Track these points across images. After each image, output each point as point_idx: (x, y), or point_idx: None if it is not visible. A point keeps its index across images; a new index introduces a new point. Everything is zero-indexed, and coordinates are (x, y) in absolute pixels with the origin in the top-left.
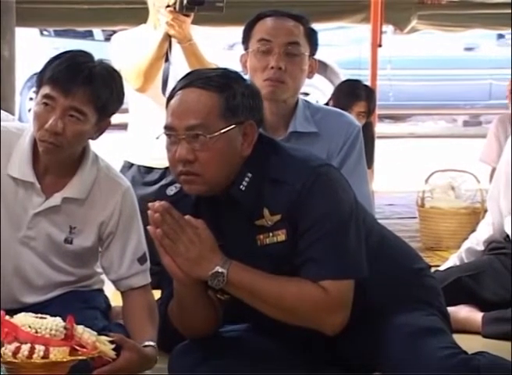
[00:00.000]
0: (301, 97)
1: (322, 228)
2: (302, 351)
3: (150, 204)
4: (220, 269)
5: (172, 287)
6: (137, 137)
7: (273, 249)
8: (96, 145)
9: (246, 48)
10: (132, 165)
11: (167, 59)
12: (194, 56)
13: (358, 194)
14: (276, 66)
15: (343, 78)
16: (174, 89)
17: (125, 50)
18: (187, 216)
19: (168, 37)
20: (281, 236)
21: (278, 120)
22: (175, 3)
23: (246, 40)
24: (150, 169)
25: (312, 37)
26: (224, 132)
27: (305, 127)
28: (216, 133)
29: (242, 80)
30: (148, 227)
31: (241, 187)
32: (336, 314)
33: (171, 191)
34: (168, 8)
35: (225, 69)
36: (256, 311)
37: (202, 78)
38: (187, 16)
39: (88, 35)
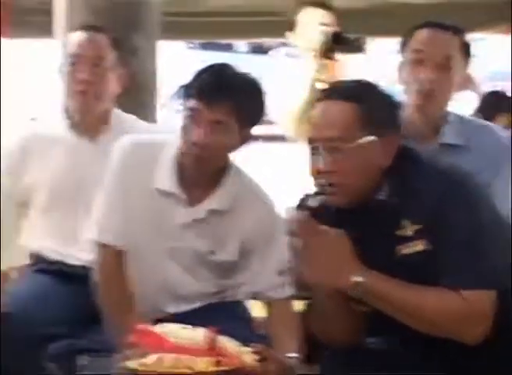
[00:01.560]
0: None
1: (462, 237)
2: (441, 366)
3: (288, 214)
4: (359, 279)
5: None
6: None
7: (412, 259)
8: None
9: (403, 57)
10: None
11: None
12: None
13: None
14: (427, 78)
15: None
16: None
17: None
18: (327, 227)
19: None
20: (420, 246)
21: (428, 131)
22: (323, 48)
23: (403, 49)
24: None
25: (467, 51)
26: (363, 143)
27: (455, 140)
28: (355, 145)
29: (380, 91)
30: (287, 238)
31: (381, 197)
32: (477, 324)
33: (312, 202)
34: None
35: (363, 80)
36: (397, 323)
37: (341, 90)
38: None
39: (230, 48)
